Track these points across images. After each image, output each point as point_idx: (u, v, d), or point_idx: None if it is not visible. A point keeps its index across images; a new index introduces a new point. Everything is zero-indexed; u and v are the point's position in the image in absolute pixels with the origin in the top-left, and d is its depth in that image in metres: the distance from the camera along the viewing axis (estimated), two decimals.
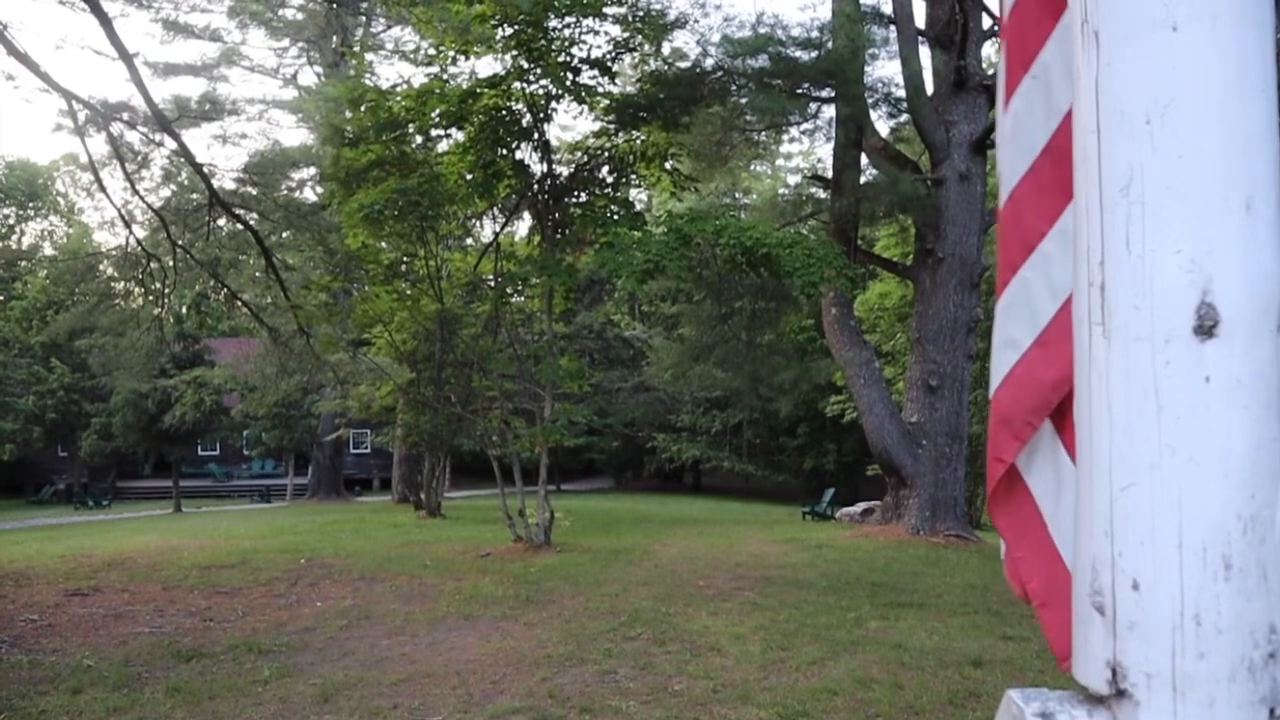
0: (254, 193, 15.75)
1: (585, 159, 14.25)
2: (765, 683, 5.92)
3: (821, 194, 18.59)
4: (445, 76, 13.00)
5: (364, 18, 29.10)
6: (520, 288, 15.47)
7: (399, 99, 12.98)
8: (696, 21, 21.26)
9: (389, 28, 29.62)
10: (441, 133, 13.71)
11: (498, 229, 16.15)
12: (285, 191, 17.47)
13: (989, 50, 17.59)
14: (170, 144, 13.69)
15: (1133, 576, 0.92)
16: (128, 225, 16.19)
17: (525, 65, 12.29)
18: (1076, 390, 1.02)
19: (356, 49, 24.00)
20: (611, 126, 13.66)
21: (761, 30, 14.31)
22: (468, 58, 12.85)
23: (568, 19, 12.24)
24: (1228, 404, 0.90)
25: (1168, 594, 0.90)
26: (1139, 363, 0.93)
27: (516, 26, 11.93)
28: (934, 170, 14.95)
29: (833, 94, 14.74)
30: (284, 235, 17.96)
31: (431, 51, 13.27)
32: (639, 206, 14.84)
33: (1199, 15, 0.92)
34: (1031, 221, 1.49)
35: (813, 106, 16.30)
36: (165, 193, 17.24)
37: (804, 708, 5.38)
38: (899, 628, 7.62)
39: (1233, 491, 0.90)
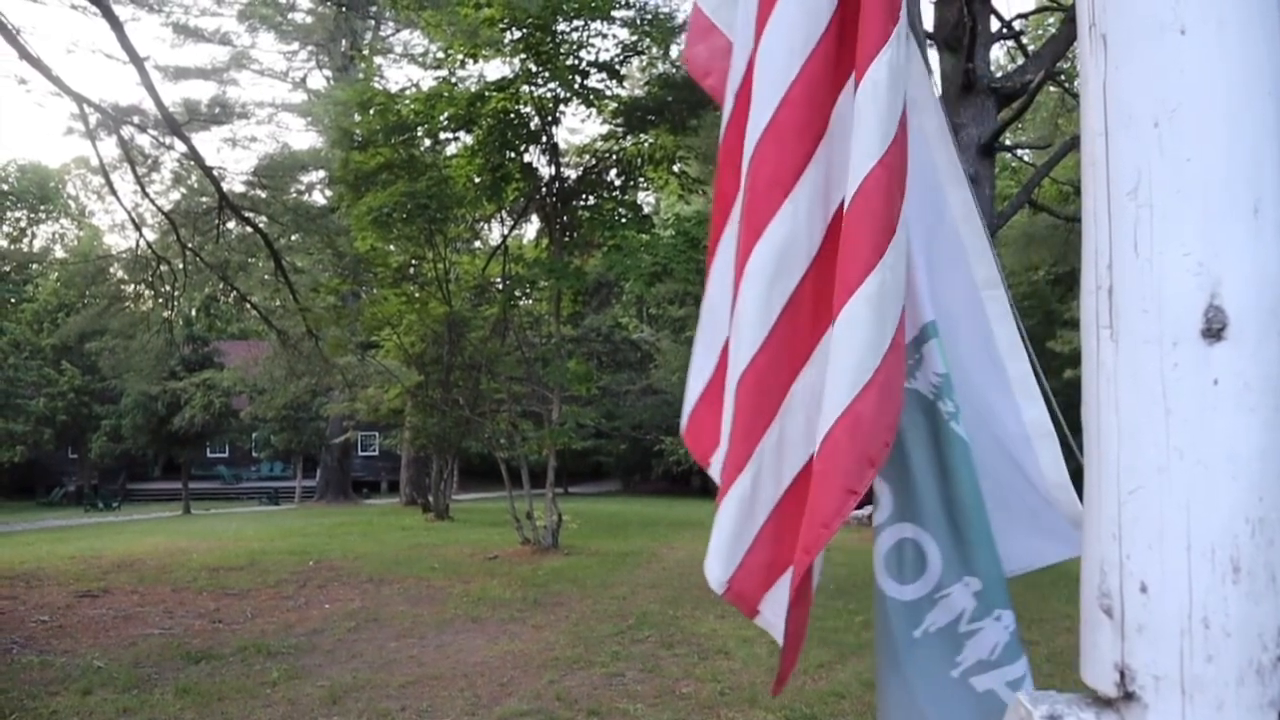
0: (263, 196, 15.81)
1: (593, 162, 14.27)
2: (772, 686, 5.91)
3: None
4: (454, 80, 13.04)
5: (373, 21, 29.18)
6: (528, 290, 15.50)
7: (408, 102, 13.02)
8: None
9: (398, 31, 29.70)
10: (450, 136, 13.75)
11: (506, 232, 16.17)
12: (294, 195, 17.55)
13: (998, 53, 17.57)
14: (180, 147, 13.77)
15: (1141, 579, 0.92)
16: (138, 228, 16.28)
17: (533, 68, 12.32)
18: (1084, 393, 1.02)
19: (365, 52, 24.11)
20: (620, 129, 13.67)
21: None
22: (476, 61, 12.89)
23: (576, 22, 12.27)
24: (1236, 406, 0.90)
25: (1176, 597, 0.90)
26: (1147, 365, 0.93)
27: (525, 30, 11.95)
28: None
29: None
30: (293, 238, 18.03)
31: (440, 55, 13.31)
32: (647, 209, 14.85)
33: (1207, 19, 0.92)
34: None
35: None
36: (175, 196, 17.36)
37: (811, 711, 5.37)
38: None
39: (1241, 494, 0.90)
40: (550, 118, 13.19)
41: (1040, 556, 1.97)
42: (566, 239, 13.88)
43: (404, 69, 31.54)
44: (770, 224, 1.62)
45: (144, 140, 14.70)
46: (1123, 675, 0.93)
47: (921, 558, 1.88)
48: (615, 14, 12.38)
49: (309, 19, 28.70)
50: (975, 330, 1.93)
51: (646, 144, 13.70)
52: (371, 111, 13.07)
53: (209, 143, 54.68)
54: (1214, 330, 0.91)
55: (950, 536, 1.77)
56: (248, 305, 18.61)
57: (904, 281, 1.56)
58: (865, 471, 1.49)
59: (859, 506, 1.56)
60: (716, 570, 1.69)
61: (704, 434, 1.83)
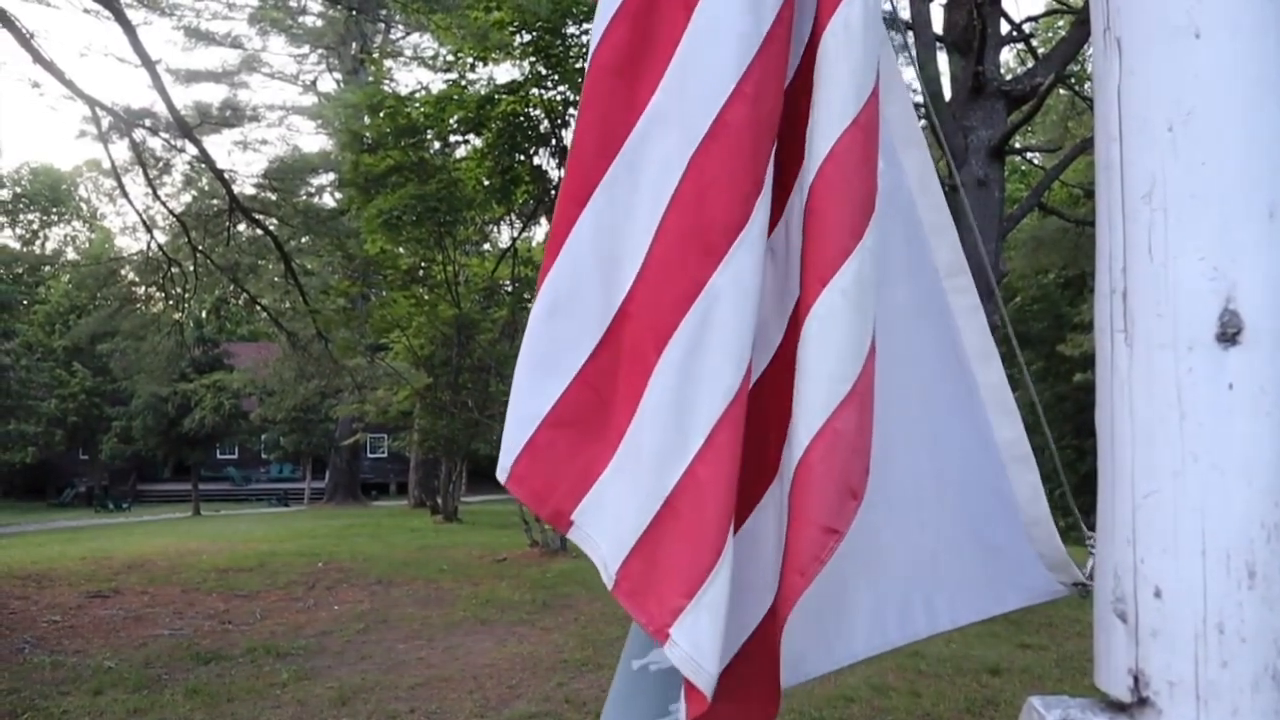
0: (273, 198, 15.85)
1: None
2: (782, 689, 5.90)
3: None
4: (463, 83, 13.08)
5: (383, 24, 29.24)
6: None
7: (417, 105, 13.07)
8: None
9: (408, 34, 29.75)
10: (459, 138, 13.79)
11: (515, 234, 16.21)
12: (304, 197, 17.59)
13: (1008, 56, 17.54)
14: (191, 150, 13.81)
15: (1155, 584, 0.92)
16: (149, 230, 16.34)
17: (543, 71, 12.35)
18: (1098, 398, 1.02)
19: (375, 55, 24.15)
20: None
21: None
22: (486, 64, 12.93)
23: (585, 25, 12.28)
24: (1251, 411, 0.90)
25: (1190, 602, 0.90)
26: (1162, 370, 0.93)
27: (535, 33, 11.98)
28: (951, 176, 14.91)
29: None
30: (303, 240, 18.07)
31: (450, 58, 13.35)
32: None
33: (1222, 23, 0.92)
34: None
35: None
36: (186, 198, 17.40)
37: (820, 715, 5.36)
38: None
39: (1256, 499, 0.90)
40: (559, 120, 13.21)
41: (995, 605, 1.69)
42: None
43: (414, 72, 31.75)
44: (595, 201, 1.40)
45: (155, 143, 14.75)
46: (1137, 680, 0.93)
47: None
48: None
49: (319, 22, 28.80)
50: (935, 329, 1.61)
51: None
52: (381, 114, 13.12)
53: (220, 145, 54.98)
54: (1229, 335, 0.91)
55: None
56: (258, 307, 18.68)
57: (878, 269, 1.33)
58: (846, 505, 1.25)
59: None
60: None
61: (561, 472, 1.42)
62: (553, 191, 13.82)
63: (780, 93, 1.35)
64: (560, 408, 1.41)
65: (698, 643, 1.24)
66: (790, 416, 1.31)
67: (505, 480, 1.44)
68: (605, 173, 1.39)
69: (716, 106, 1.30)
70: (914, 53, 15.03)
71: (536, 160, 13.57)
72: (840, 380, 1.25)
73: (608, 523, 1.38)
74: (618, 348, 1.40)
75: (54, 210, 47.67)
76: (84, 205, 49.73)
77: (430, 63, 14.66)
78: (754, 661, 1.48)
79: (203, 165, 14.54)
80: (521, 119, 12.87)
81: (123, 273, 19.69)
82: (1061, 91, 15.86)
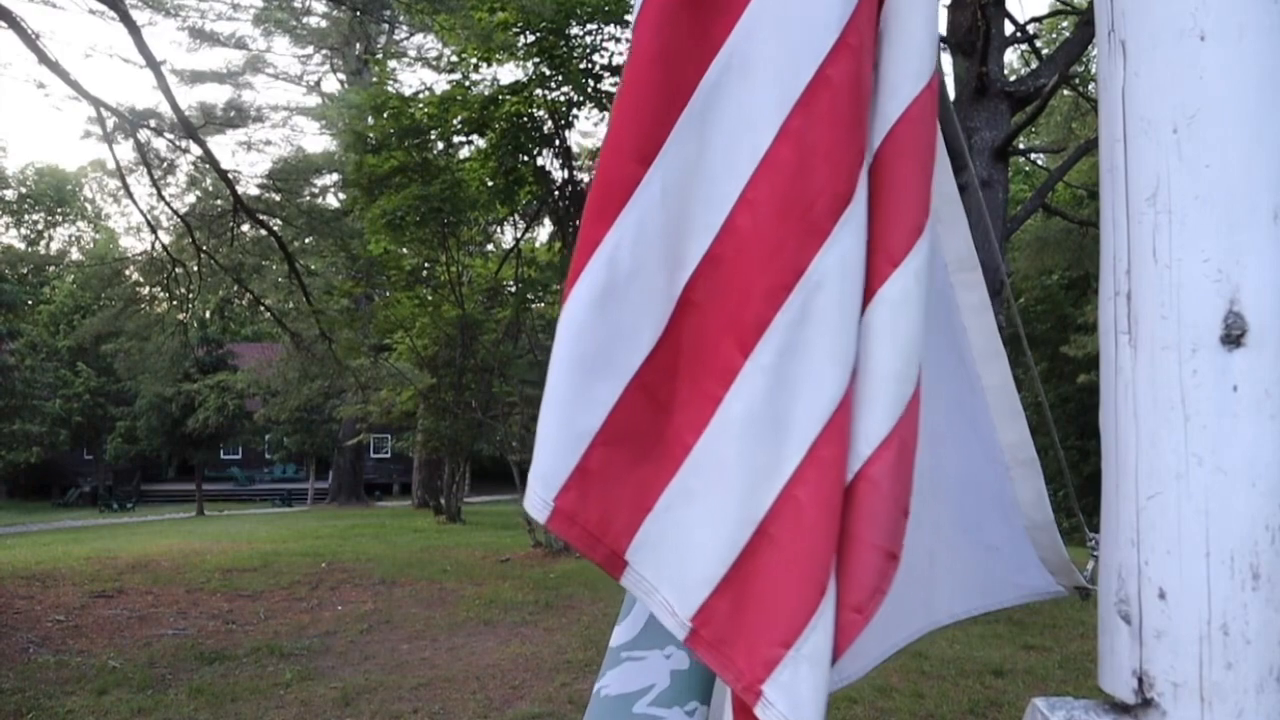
0: (277, 199, 15.87)
1: None
2: None
3: None
4: (467, 83, 13.09)
5: (387, 25, 29.30)
6: (541, 293, 15.53)
7: (421, 106, 13.09)
8: None
9: (412, 35, 29.80)
10: (463, 139, 13.81)
11: (518, 235, 16.22)
12: (308, 198, 17.60)
13: (1012, 57, 17.52)
14: (196, 150, 13.83)
15: (1159, 585, 0.92)
16: (153, 231, 16.38)
17: (547, 72, 12.36)
18: (1103, 399, 1.02)
19: (379, 56, 24.19)
20: None
21: None
22: (490, 65, 12.95)
23: (589, 26, 12.29)
24: (1255, 413, 0.90)
25: (1195, 603, 0.90)
26: (1166, 372, 0.93)
27: (538, 34, 12.00)
28: (956, 177, 14.89)
29: None
30: (307, 241, 18.09)
31: (454, 58, 13.37)
32: None
33: (1227, 25, 0.92)
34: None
35: None
36: (190, 199, 17.45)
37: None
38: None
39: (1260, 501, 0.90)
40: (563, 121, 13.22)
41: (990, 601, 1.64)
42: None
43: (418, 73, 31.79)
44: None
45: (160, 143, 14.78)
46: (1141, 682, 0.93)
47: (630, 601, 1.50)
48: (628, 17, 12.40)
49: (323, 23, 28.85)
50: (940, 325, 1.49)
51: None
52: (385, 115, 13.14)
53: (224, 146, 55.10)
54: (1233, 337, 0.91)
55: None
56: (262, 308, 18.68)
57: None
58: (900, 524, 1.08)
59: None
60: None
61: (618, 502, 1.13)
62: (556, 193, 13.84)
63: (874, 45, 1.15)
64: (614, 420, 1.12)
65: (797, 703, 1.04)
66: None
67: (547, 519, 1.10)
68: (674, 125, 1.15)
69: (818, 59, 1.11)
70: None
71: (540, 161, 13.59)
72: (907, 381, 1.10)
73: (672, 559, 1.13)
74: (677, 342, 1.15)
75: (59, 210, 47.80)
76: (89, 205, 49.90)
77: (434, 63, 14.73)
78: None
79: (207, 166, 14.57)
80: (525, 120, 12.89)
81: (127, 273, 19.72)
82: (1065, 92, 15.85)
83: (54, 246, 48.50)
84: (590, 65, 12.58)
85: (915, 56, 1.13)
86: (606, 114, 13.36)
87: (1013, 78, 14.01)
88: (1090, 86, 15.36)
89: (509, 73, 13.25)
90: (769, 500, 1.08)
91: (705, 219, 1.14)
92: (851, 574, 1.06)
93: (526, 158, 13.30)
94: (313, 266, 19.39)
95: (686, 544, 1.12)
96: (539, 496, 1.10)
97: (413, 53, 30.01)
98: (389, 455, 40.20)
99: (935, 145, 1.14)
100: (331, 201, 21.41)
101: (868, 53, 1.12)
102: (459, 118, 12.85)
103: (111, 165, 16.31)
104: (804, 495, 1.07)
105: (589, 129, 69.34)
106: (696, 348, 1.15)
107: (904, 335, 1.09)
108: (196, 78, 27.75)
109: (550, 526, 1.11)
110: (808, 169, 1.10)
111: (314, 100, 32.34)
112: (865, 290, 1.10)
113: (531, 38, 12.10)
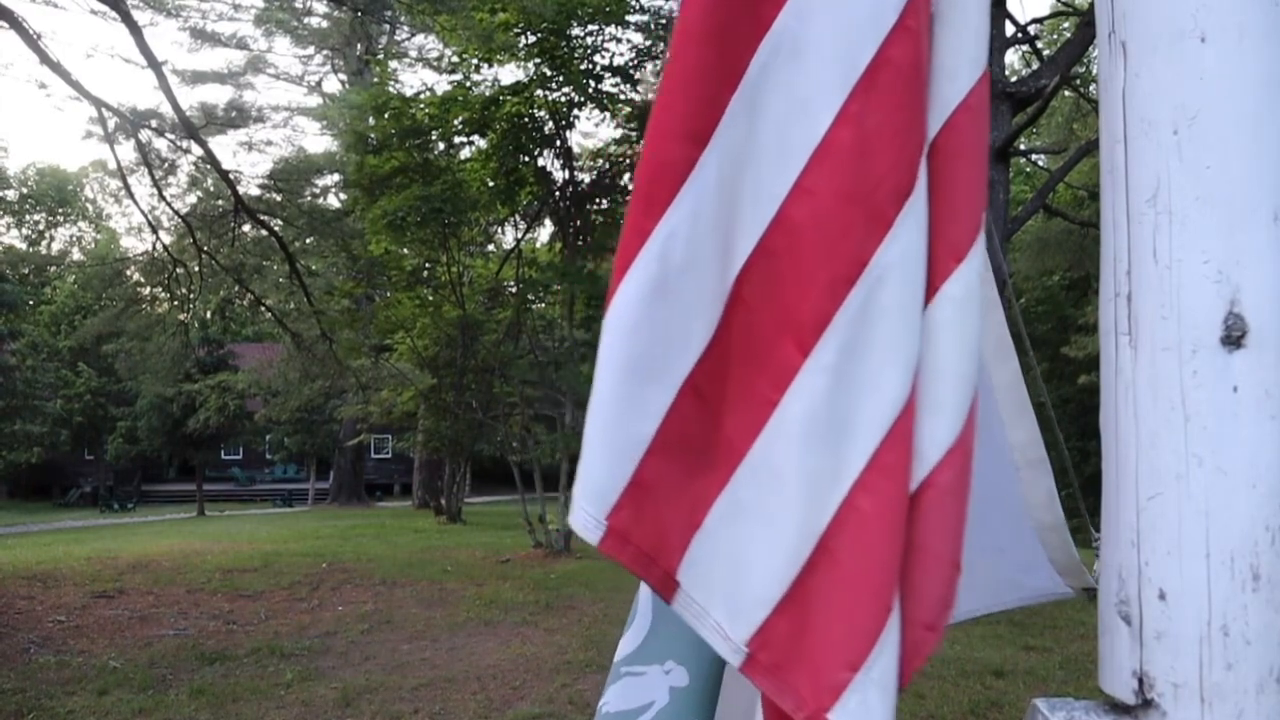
0: (278, 199, 15.88)
1: (607, 166, 14.31)
2: None
3: None
4: (468, 84, 13.09)
5: (388, 26, 29.31)
6: (541, 294, 15.54)
7: (422, 106, 13.10)
8: None
9: (413, 35, 29.80)
10: (464, 140, 13.82)
11: (519, 236, 16.22)
12: (309, 198, 17.61)
13: (1013, 58, 17.52)
14: (197, 151, 13.84)
15: (1159, 586, 0.92)
16: (154, 231, 16.39)
17: (548, 72, 12.37)
18: (1103, 400, 1.01)
19: (380, 56, 24.19)
20: (633, 133, 13.70)
21: None
22: (491, 65, 12.95)
23: (590, 27, 12.30)
24: (1256, 414, 0.90)
25: (1195, 604, 0.90)
26: (1166, 373, 0.93)
27: (539, 34, 12.01)
28: None
29: None
30: (308, 241, 18.10)
31: (455, 59, 13.37)
32: None
33: (1228, 26, 0.92)
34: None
35: None
36: (191, 199, 17.46)
37: None
38: None
39: (1261, 502, 0.90)
40: (564, 122, 13.23)
41: (992, 602, 1.62)
42: (580, 243, 13.91)
43: (419, 73, 31.77)
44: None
45: (161, 144, 14.79)
46: (1141, 682, 0.93)
47: (635, 612, 1.47)
48: (629, 18, 12.42)
49: (325, 24, 28.86)
50: None
51: None
52: (386, 115, 13.15)
53: (225, 146, 55.08)
54: (1234, 338, 0.91)
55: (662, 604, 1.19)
56: (262, 308, 18.70)
57: None
58: (961, 534, 1.03)
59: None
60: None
61: (672, 516, 1.04)
62: (556, 193, 13.84)
63: (929, 28, 1.09)
64: (668, 427, 1.02)
65: None
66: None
67: (599, 540, 1.00)
68: (727, 107, 1.06)
69: (878, 40, 1.04)
70: None
71: (541, 161, 13.60)
72: (970, 381, 1.03)
73: (724, 578, 1.03)
74: (727, 341, 1.06)
75: (60, 211, 47.82)
76: (90, 206, 49.91)
77: (435, 64, 14.74)
78: None
79: (208, 166, 14.58)
80: (526, 120, 12.89)
81: (128, 273, 19.74)
82: (1066, 93, 15.85)
83: (55, 247, 48.55)
84: (591, 66, 12.59)
85: (972, 42, 1.08)
86: (607, 114, 13.38)
87: (1014, 78, 14.00)
88: (1091, 87, 15.36)
89: (510, 73, 13.27)
90: (830, 511, 1.01)
91: (755, 209, 1.07)
92: (921, 588, 1.01)
93: (527, 158, 13.31)
94: (314, 267, 19.40)
95: (740, 561, 1.04)
96: (589, 515, 1.00)
97: (414, 53, 30.03)
98: (390, 455, 40.18)
99: (989, 137, 1.08)
100: (333, 202, 21.43)
101: (925, 36, 1.07)
102: (460, 118, 12.86)
103: (113, 165, 16.33)
104: (868, 505, 1.00)
105: (590, 129, 69.16)
106: (747, 347, 1.06)
107: (969, 335, 1.03)
108: (198, 78, 27.75)
109: (603, 548, 1.01)
110: (869, 155, 1.04)
111: (315, 101, 32.36)
112: (927, 286, 1.04)
113: (532, 38, 12.11)
